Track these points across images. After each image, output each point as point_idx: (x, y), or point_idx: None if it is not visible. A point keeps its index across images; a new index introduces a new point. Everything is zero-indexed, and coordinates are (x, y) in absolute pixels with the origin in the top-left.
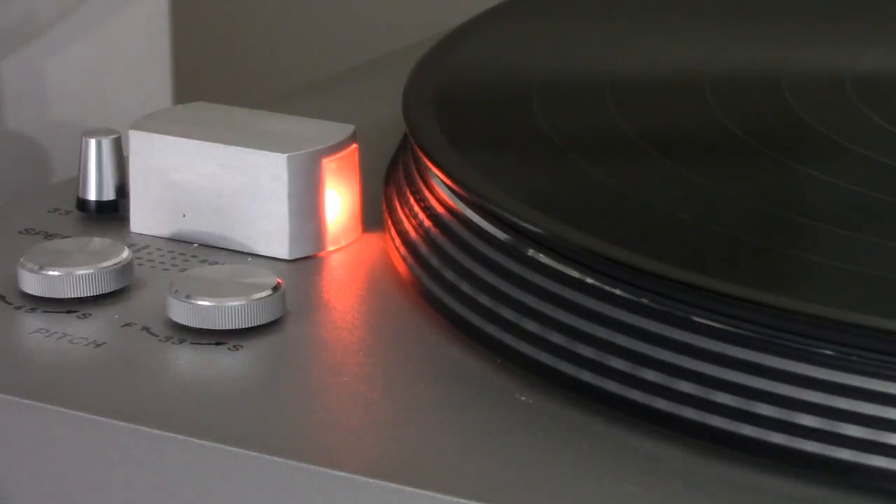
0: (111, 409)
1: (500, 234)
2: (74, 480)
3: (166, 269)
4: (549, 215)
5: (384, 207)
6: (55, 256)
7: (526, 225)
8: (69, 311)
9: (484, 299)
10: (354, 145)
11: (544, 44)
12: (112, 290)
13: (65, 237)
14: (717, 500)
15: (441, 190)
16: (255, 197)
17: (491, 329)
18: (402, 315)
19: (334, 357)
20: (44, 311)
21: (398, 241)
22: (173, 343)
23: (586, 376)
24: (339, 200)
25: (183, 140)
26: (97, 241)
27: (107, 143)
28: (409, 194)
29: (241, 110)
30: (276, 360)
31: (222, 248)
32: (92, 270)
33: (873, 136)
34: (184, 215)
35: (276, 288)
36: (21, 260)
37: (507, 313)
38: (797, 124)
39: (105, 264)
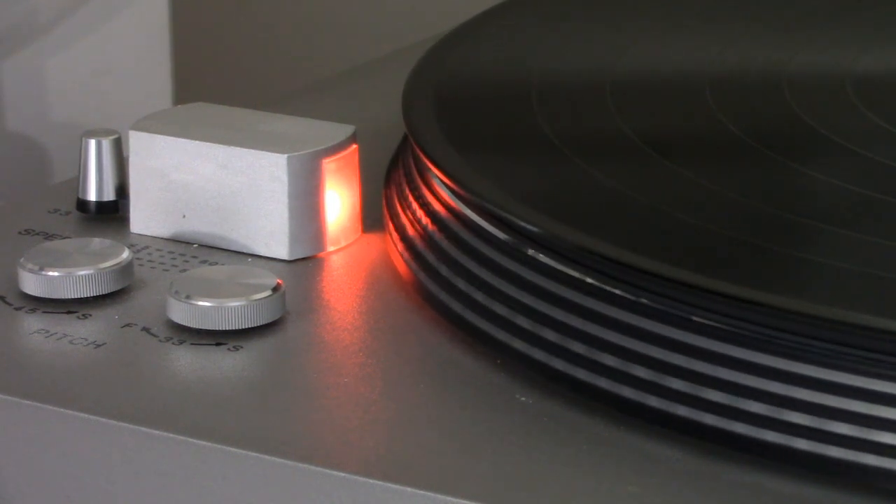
0: (111, 410)
1: (500, 234)
2: (74, 480)
3: (166, 270)
4: (550, 215)
5: (384, 208)
6: (55, 257)
7: (526, 225)
8: (69, 312)
9: (483, 299)
10: (354, 146)
11: (544, 44)
12: (112, 290)
13: (65, 238)
14: (717, 500)
15: (441, 190)
16: (255, 197)
17: (491, 329)
18: (402, 315)
19: (334, 357)
20: (44, 312)
21: (398, 242)
22: (173, 343)
23: (586, 376)
24: (339, 201)
25: (183, 140)
26: (97, 242)
27: (107, 144)
28: (409, 194)
29: (241, 110)
30: (276, 360)
31: (222, 249)
32: (92, 271)
33: (873, 136)
34: (184, 216)
35: (275, 288)
36: (21, 260)
37: (507, 313)
38: (797, 124)
39: (105, 265)
